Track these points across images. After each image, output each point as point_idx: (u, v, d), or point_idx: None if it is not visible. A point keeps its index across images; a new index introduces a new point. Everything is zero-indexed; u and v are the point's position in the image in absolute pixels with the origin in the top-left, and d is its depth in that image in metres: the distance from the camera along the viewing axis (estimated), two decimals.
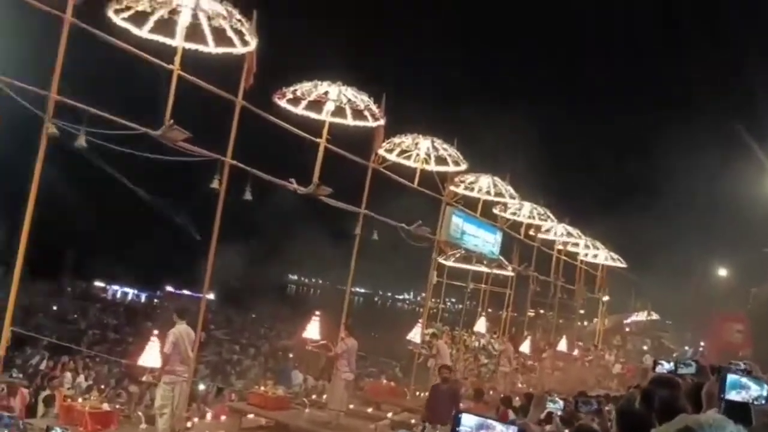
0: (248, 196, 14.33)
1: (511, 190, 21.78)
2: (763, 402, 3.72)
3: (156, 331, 12.25)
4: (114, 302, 49.87)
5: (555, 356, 27.08)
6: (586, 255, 30.64)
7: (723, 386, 3.85)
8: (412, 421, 15.14)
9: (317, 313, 15.59)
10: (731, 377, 3.87)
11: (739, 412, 3.63)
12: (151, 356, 11.74)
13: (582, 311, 35.87)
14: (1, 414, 7.71)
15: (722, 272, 42.17)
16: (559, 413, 7.38)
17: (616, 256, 31.85)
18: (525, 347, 24.12)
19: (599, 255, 31.08)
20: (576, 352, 29.77)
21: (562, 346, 27.57)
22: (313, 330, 15.15)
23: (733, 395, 3.80)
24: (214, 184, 13.39)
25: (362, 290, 65.88)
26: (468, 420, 3.35)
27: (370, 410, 17.09)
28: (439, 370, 15.90)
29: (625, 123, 50.34)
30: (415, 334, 18.98)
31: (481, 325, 24.20)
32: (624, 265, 32.88)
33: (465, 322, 28.06)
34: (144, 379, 14.60)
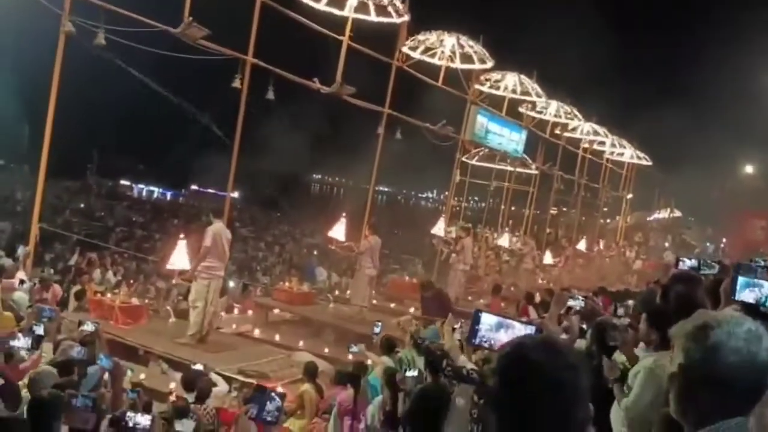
0: (270, 95, 14.30)
1: (538, 89, 21.49)
2: None
3: (182, 235, 12.41)
4: (140, 200, 50.30)
5: (575, 255, 27.20)
6: (612, 153, 30.48)
7: (734, 288, 3.87)
8: None
9: (344, 214, 15.71)
10: (742, 279, 3.88)
11: (755, 311, 3.66)
12: (179, 259, 11.93)
13: (605, 209, 35.90)
14: (42, 307, 7.95)
15: (749, 169, 41.64)
16: (578, 308, 7.50)
17: (641, 155, 31.61)
18: (548, 259, 24.33)
19: (625, 153, 30.88)
20: (596, 249, 29.91)
21: (582, 246, 27.67)
22: (338, 231, 15.26)
23: (745, 294, 3.82)
24: (236, 84, 13.37)
25: (385, 189, 65.79)
26: (487, 319, 3.40)
27: (392, 305, 17.39)
28: (420, 286, 16.46)
29: (653, 16, 48.89)
30: (439, 228, 19.19)
31: (504, 239, 24.26)
32: (649, 163, 32.68)
33: (487, 220, 28.21)
34: (174, 282, 14.91)
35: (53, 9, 10.86)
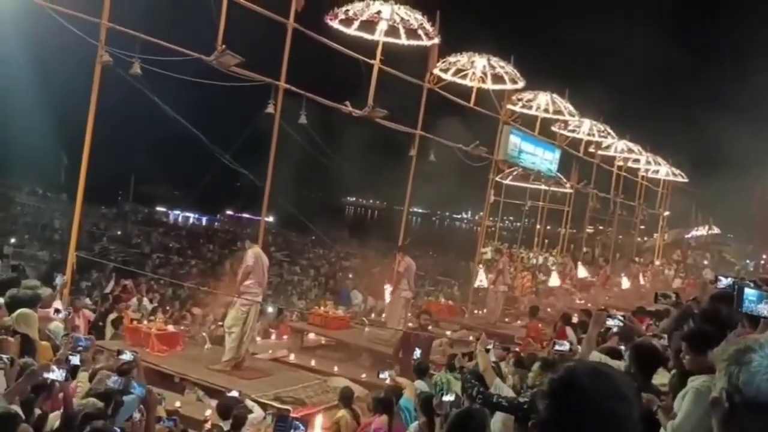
0: (303, 120, 14.39)
1: (570, 107, 21.39)
2: None
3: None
4: (176, 226, 50.65)
5: (612, 276, 26.83)
6: (647, 171, 30.20)
7: (741, 300, 3.69)
8: (470, 337, 15.28)
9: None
10: (750, 291, 3.70)
11: None
12: None
13: (642, 227, 35.50)
14: (78, 336, 7.99)
15: None
16: (615, 329, 7.40)
17: (677, 171, 31.29)
18: (582, 272, 24.19)
19: (660, 170, 30.59)
20: (635, 268, 29.51)
21: (625, 284, 27.19)
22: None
23: (761, 307, 3.63)
24: (269, 109, 13.47)
25: (420, 210, 65.65)
26: None
27: (429, 328, 17.23)
28: (419, 315, 14.08)
29: (685, 29, 48.51)
30: (481, 280, 19.51)
31: (555, 279, 24.06)
32: (685, 180, 32.33)
33: (523, 239, 28.03)
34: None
35: (89, 40, 11.03)
